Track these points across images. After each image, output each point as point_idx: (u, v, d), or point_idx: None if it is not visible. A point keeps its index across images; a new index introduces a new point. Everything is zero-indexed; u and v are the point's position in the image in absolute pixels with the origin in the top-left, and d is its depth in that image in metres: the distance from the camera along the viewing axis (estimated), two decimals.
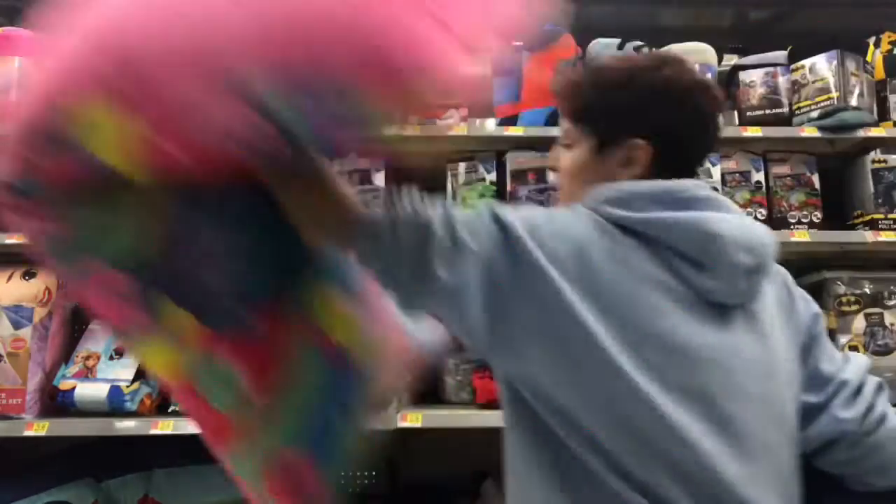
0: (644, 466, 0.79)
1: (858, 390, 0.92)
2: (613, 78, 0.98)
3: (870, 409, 0.90)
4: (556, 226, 0.85)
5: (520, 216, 0.85)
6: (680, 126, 0.95)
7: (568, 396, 0.81)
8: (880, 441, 0.89)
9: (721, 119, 1.00)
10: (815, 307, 1.03)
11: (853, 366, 0.95)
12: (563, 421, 0.82)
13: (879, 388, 0.94)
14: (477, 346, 0.88)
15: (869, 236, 1.97)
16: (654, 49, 2.16)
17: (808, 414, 0.92)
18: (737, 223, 0.87)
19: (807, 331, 0.98)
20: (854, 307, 2.00)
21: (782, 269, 1.06)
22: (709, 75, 2.13)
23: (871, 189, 2.07)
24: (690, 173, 0.98)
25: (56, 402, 1.88)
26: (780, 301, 0.98)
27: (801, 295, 1.04)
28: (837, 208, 2.22)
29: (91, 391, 1.85)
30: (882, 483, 0.92)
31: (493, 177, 2.08)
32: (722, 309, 0.86)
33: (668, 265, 0.85)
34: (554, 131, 2.03)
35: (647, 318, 0.81)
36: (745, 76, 2.22)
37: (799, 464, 0.90)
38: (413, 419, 1.83)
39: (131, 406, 1.84)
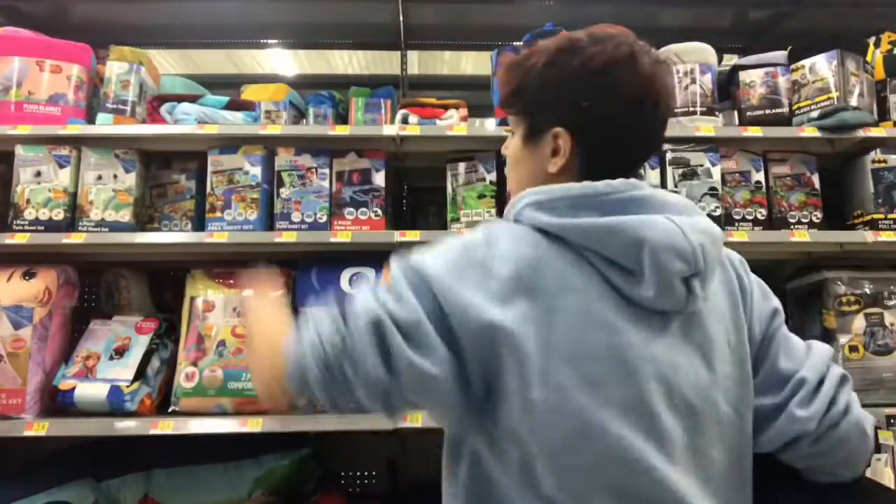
0: (583, 485, 0.76)
1: (818, 386, 0.88)
2: (536, 61, 0.90)
3: (831, 404, 0.87)
4: (475, 253, 0.82)
5: (429, 259, 0.82)
6: (595, 110, 0.86)
7: (514, 418, 0.78)
8: (844, 434, 0.87)
9: (659, 100, 0.89)
10: (775, 302, 0.97)
11: (813, 360, 0.91)
12: (508, 445, 0.78)
13: (842, 380, 0.90)
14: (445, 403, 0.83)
15: (869, 236, 1.97)
16: (653, 49, 2.16)
17: (767, 415, 0.89)
18: (665, 227, 0.80)
19: (763, 327, 0.94)
20: (854, 307, 2.00)
21: (736, 258, 0.98)
22: (708, 75, 2.13)
23: (871, 189, 2.07)
24: (627, 165, 0.89)
25: (56, 402, 1.88)
26: (731, 297, 0.92)
27: (759, 288, 0.97)
28: (837, 208, 2.22)
29: (91, 391, 1.85)
30: (848, 473, 0.90)
31: (493, 177, 2.08)
32: (660, 316, 0.82)
33: (599, 273, 0.81)
34: None
35: (580, 330, 0.78)
36: (745, 76, 2.22)
37: (753, 460, 0.89)
38: (413, 419, 1.83)
39: (131, 406, 1.84)
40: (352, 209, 2.04)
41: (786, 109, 2.16)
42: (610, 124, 0.87)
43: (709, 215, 1.95)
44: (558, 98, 0.88)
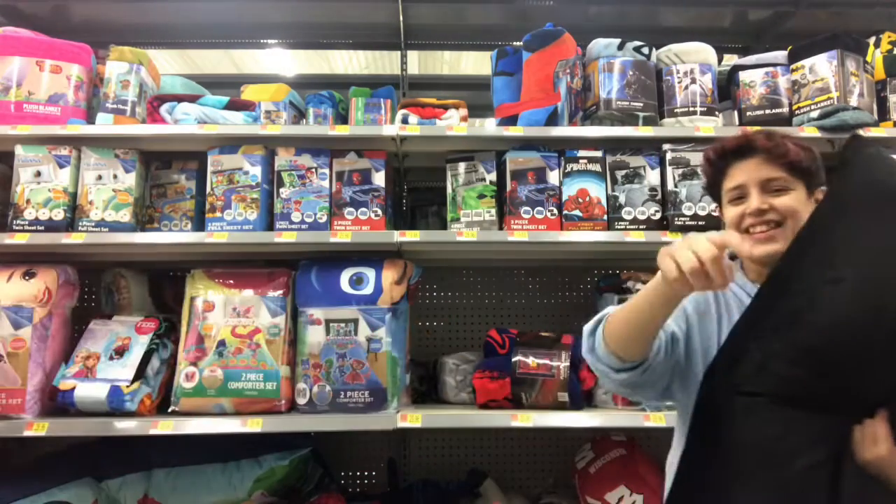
0: None
1: None
2: None
3: None
4: None
5: None
6: None
7: None
8: None
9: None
10: None
11: None
12: None
13: None
14: None
15: None
16: (654, 49, 2.16)
17: None
18: None
19: None
20: None
21: None
22: (708, 75, 2.13)
23: None
24: None
25: (56, 402, 1.88)
26: None
27: None
28: None
29: (91, 391, 1.85)
30: None
31: (493, 177, 2.08)
32: None
33: None
34: (554, 131, 2.03)
35: None
36: (745, 76, 2.22)
37: None
38: (413, 419, 1.82)
39: (131, 406, 1.84)
40: (352, 209, 2.04)
41: (786, 109, 2.16)
42: None
43: (708, 215, 1.96)
44: None
